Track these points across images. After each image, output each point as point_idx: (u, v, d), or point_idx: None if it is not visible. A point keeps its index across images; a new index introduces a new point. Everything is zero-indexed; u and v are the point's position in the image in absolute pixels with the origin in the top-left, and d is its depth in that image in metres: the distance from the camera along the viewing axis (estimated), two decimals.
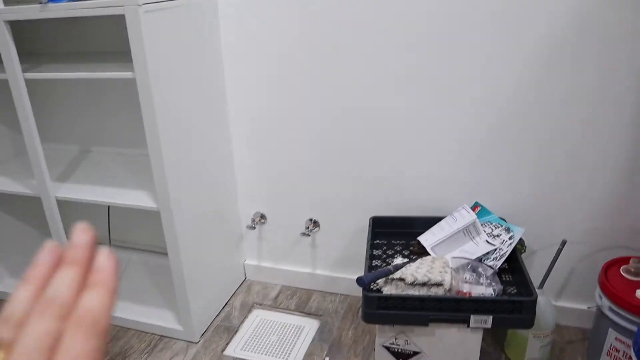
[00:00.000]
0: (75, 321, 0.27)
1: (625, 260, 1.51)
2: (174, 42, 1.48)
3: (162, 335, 1.81)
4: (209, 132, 1.72)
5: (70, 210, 2.20)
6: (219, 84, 1.74)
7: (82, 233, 0.30)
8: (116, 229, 2.14)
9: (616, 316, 1.41)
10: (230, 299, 1.99)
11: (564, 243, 1.46)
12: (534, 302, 1.27)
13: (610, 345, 1.45)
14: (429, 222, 1.59)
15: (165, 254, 1.66)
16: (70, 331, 0.27)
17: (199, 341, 1.78)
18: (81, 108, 2.03)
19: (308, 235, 1.87)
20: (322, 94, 1.67)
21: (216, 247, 1.86)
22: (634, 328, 1.30)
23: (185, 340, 1.79)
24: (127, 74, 1.43)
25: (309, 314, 1.87)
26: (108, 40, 1.87)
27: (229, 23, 1.68)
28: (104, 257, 0.30)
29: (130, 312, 1.87)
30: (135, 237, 2.24)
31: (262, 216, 1.94)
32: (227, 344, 1.76)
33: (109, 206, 2.02)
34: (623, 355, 1.43)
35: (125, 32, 1.35)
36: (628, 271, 1.47)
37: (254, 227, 1.92)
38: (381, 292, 1.35)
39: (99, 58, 1.75)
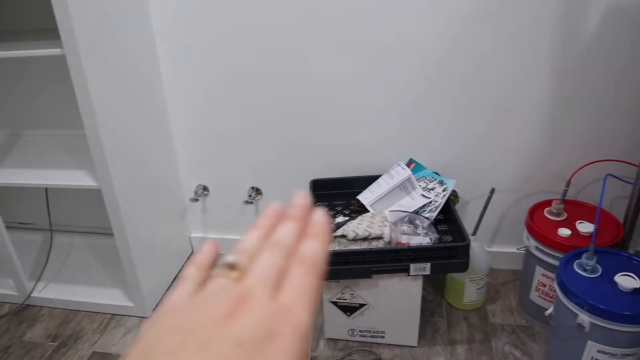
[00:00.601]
0: (299, 261, 0.31)
1: (548, 203, 1.63)
2: (101, 14, 1.45)
3: (113, 314, 1.82)
4: (145, 106, 1.70)
5: (5, 198, 2.14)
6: (151, 56, 1.72)
7: (299, 197, 0.37)
8: (58, 213, 2.10)
9: (542, 254, 1.52)
10: (179, 272, 2.00)
11: (492, 191, 1.56)
12: (467, 246, 1.37)
13: (538, 281, 1.58)
14: (367, 180, 1.66)
15: (110, 234, 1.65)
16: (294, 268, 0.31)
17: (150, 316, 1.79)
18: (7, 90, 1.96)
19: (251, 203, 1.90)
20: (258, 61, 1.68)
21: (161, 222, 1.87)
22: (557, 263, 1.41)
23: (137, 317, 1.80)
24: (55, 51, 1.39)
25: None
26: (32, 17, 1.80)
27: None
28: (319, 215, 0.36)
29: (79, 295, 1.85)
30: (78, 220, 2.20)
31: (205, 188, 1.95)
32: None
33: (46, 189, 1.97)
34: (549, 289, 1.55)
35: (50, 7, 1.30)
36: (551, 212, 1.59)
37: (197, 200, 1.93)
38: None
39: (23, 37, 1.69)
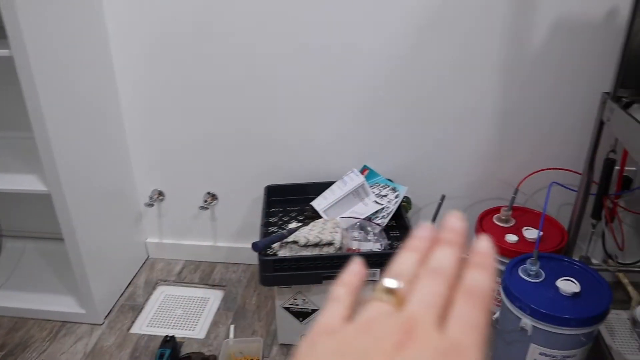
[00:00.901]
0: (466, 292, 0.28)
1: (497, 209, 1.67)
2: (51, 14, 1.42)
3: (64, 321, 1.78)
4: (97, 109, 1.68)
5: None
6: (104, 57, 1.69)
7: (455, 219, 0.33)
8: (8, 217, 2.05)
9: None
10: (133, 278, 1.97)
11: (443, 198, 1.59)
12: None
13: None
14: (322, 187, 1.67)
15: (62, 239, 1.62)
16: (461, 300, 0.28)
17: (103, 322, 1.76)
18: None
19: (207, 208, 1.89)
20: (213, 65, 1.67)
21: (115, 227, 1.84)
22: None
23: (89, 324, 1.77)
24: (3, 52, 1.36)
25: (213, 286, 1.91)
26: None
27: None
28: (485, 242, 0.32)
29: (28, 302, 1.81)
30: (29, 225, 2.15)
31: (160, 193, 1.94)
32: (133, 322, 1.76)
33: None
34: (497, 294, 1.59)
35: None
36: (500, 219, 1.64)
37: (152, 205, 1.91)
38: (277, 255, 1.41)
39: None
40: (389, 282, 0.30)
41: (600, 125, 1.40)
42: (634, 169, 1.62)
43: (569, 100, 1.59)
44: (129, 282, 1.95)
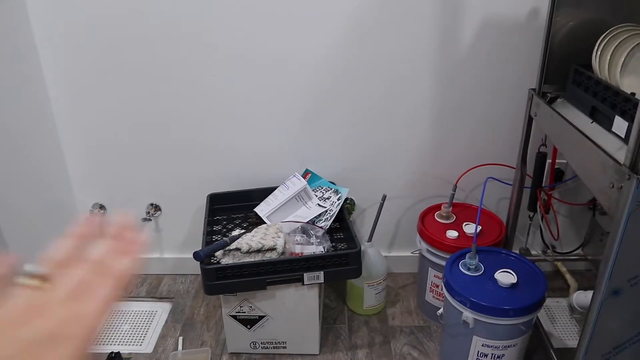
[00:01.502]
0: (104, 273, 0.35)
1: (438, 207, 1.71)
2: None
3: None
4: (28, 119, 1.62)
5: None
6: (33, 63, 1.64)
7: (121, 216, 0.39)
8: None
9: (433, 256, 1.59)
10: None
11: (384, 198, 1.61)
12: (358, 253, 1.40)
13: (431, 282, 1.65)
14: (265, 192, 1.67)
15: None
16: (98, 280, 0.34)
17: None
18: None
19: (150, 220, 1.85)
20: (153, 71, 1.64)
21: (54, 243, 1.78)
22: None
23: None
24: None
25: (161, 298, 1.87)
26: None
27: None
28: (134, 233, 0.39)
29: None
30: None
31: (101, 207, 1.88)
32: None
33: None
34: (441, 289, 1.62)
35: None
36: (441, 216, 1.67)
37: None
38: (220, 264, 1.39)
39: None
40: (30, 268, 0.35)
41: (530, 120, 1.46)
42: (564, 161, 1.68)
43: (500, 97, 1.64)
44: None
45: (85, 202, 1.88)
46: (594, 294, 1.07)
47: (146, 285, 1.94)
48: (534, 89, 1.41)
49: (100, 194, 1.87)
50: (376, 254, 1.65)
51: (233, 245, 1.40)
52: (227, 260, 1.39)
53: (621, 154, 0.99)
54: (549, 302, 1.75)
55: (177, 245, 1.94)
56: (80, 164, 1.81)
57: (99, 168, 1.81)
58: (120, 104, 1.70)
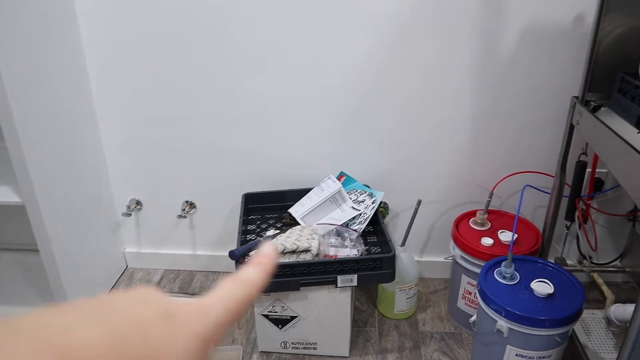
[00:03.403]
0: (236, 279, 0.34)
1: (473, 213, 1.69)
2: (23, 17, 1.41)
3: None
4: (72, 117, 1.66)
5: None
6: (78, 63, 1.67)
7: (267, 249, 0.38)
8: None
9: (467, 263, 1.58)
10: (112, 288, 1.96)
11: (419, 203, 1.60)
12: (393, 258, 1.40)
13: (464, 289, 1.63)
14: (299, 194, 1.68)
15: (38, 250, 1.60)
16: (229, 283, 0.34)
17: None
18: None
19: (185, 217, 1.88)
20: (192, 73, 1.67)
21: (92, 238, 1.82)
22: None
23: None
24: None
25: (193, 294, 1.90)
26: None
27: None
28: (268, 248, 0.38)
29: (3, 315, 1.78)
30: (4, 237, 2.12)
31: (138, 202, 1.92)
32: None
33: None
34: (474, 297, 1.61)
35: None
36: (475, 222, 1.65)
37: (130, 214, 1.90)
38: None
39: None
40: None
41: (571, 128, 1.43)
42: (605, 170, 1.65)
43: (541, 104, 1.61)
44: (107, 292, 1.92)
45: (123, 198, 1.92)
46: (635, 308, 1.05)
47: (179, 282, 1.97)
48: (576, 97, 1.38)
49: (137, 190, 1.91)
50: (409, 259, 1.65)
51: None
52: None
53: None
54: (584, 313, 1.72)
55: (210, 243, 1.97)
56: (119, 160, 1.85)
57: (136, 165, 1.85)
58: (160, 103, 1.73)
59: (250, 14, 1.56)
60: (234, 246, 1.83)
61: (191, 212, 1.90)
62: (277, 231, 1.52)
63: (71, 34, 1.64)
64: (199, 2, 1.56)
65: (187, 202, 1.89)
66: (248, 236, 1.60)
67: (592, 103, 1.34)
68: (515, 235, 1.51)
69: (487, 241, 1.55)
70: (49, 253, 1.58)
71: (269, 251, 0.39)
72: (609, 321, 1.59)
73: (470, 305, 1.63)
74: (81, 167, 1.73)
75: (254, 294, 0.35)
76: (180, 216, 1.87)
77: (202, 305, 0.31)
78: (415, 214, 1.60)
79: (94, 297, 0.29)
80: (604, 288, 1.75)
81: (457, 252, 1.60)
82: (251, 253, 1.43)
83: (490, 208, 1.65)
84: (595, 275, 1.80)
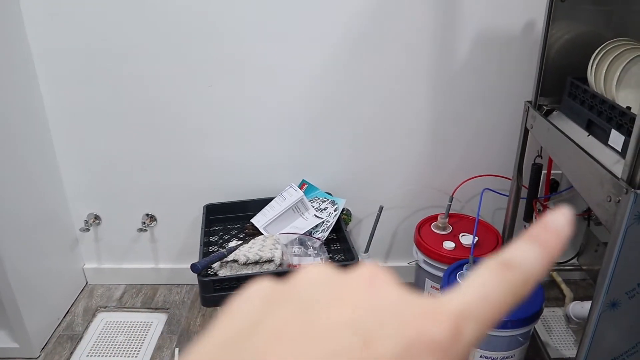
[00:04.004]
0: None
1: (435, 217, 1.71)
2: None
3: None
4: (23, 131, 1.61)
5: None
6: (29, 76, 1.63)
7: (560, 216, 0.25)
8: None
9: (430, 267, 1.59)
10: (71, 306, 1.90)
11: (381, 209, 1.61)
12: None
13: (429, 293, 1.65)
14: (261, 203, 1.67)
15: None
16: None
17: (39, 356, 1.68)
18: None
19: (145, 230, 1.84)
20: (147, 82, 1.64)
21: (48, 254, 1.77)
22: None
23: (23, 358, 1.68)
24: None
25: (156, 309, 1.86)
26: None
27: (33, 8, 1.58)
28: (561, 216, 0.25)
29: None
30: None
31: (97, 217, 1.88)
32: (72, 352, 1.69)
33: None
34: None
35: None
36: (437, 226, 1.67)
37: (89, 229, 1.85)
38: (217, 275, 1.39)
39: None
40: None
41: (525, 132, 1.46)
42: (560, 172, 1.70)
43: (495, 109, 1.65)
44: (66, 311, 1.87)
45: (80, 213, 1.87)
46: (592, 306, 1.07)
47: (141, 296, 1.93)
48: (530, 102, 1.42)
49: (95, 204, 1.86)
50: None
51: (230, 257, 1.40)
52: (224, 272, 1.39)
53: (618, 167, 1.00)
54: (545, 312, 1.76)
55: (172, 256, 1.94)
56: (75, 174, 1.80)
57: (94, 178, 1.81)
58: (116, 115, 1.69)
59: (208, 26, 1.55)
60: (196, 258, 1.80)
61: (152, 225, 1.87)
62: (240, 242, 1.50)
63: (19, 42, 1.59)
64: (156, 13, 1.54)
65: (147, 215, 1.86)
66: (210, 248, 1.58)
67: (544, 107, 1.38)
68: (476, 238, 1.54)
69: (449, 245, 1.56)
70: (2, 272, 1.53)
71: (559, 221, 0.25)
72: (568, 318, 1.63)
73: None
74: (33, 184, 1.68)
75: (527, 286, 0.23)
76: (140, 229, 1.83)
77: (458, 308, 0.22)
78: (378, 220, 1.61)
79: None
80: (563, 286, 1.79)
81: (420, 257, 1.62)
82: (214, 265, 1.41)
83: (451, 212, 1.68)
84: (554, 274, 1.85)
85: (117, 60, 1.61)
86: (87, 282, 2.02)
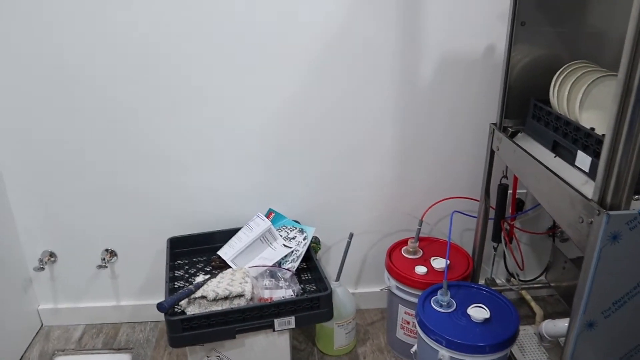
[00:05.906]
0: None
1: (404, 242, 1.70)
2: None
3: None
4: None
5: None
6: None
7: None
8: None
9: (402, 293, 1.57)
10: (25, 351, 1.78)
11: (351, 236, 1.59)
12: (330, 296, 1.37)
13: (402, 319, 1.62)
14: (228, 234, 1.62)
15: None
16: None
17: None
18: None
19: (105, 267, 1.76)
20: (104, 115, 1.58)
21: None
22: (417, 301, 1.46)
23: None
24: None
25: (119, 350, 1.77)
26: None
27: None
28: None
29: None
30: None
31: (52, 254, 1.78)
32: None
33: None
34: (413, 326, 1.60)
35: None
36: (408, 251, 1.66)
37: (43, 268, 1.75)
38: (185, 313, 1.33)
39: None
40: None
41: (492, 154, 1.47)
42: (524, 191, 1.72)
43: (462, 132, 1.66)
44: (20, 356, 1.75)
45: (34, 251, 1.77)
46: (569, 327, 1.07)
47: (102, 336, 1.83)
48: (495, 124, 1.43)
49: (50, 241, 1.76)
50: (345, 293, 1.62)
51: (198, 293, 1.34)
52: (192, 310, 1.33)
53: (587, 188, 1.01)
54: None
55: (135, 292, 1.85)
56: (27, 210, 1.71)
57: (47, 214, 1.71)
58: (69, 147, 1.61)
59: (174, 56, 1.50)
60: (161, 293, 1.73)
61: (112, 260, 1.78)
62: (208, 276, 1.45)
63: None
64: (118, 41, 1.49)
65: (107, 250, 1.77)
66: (176, 283, 1.51)
67: (509, 129, 1.39)
68: (448, 262, 1.53)
69: (420, 270, 1.55)
70: None
71: None
72: (541, 337, 1.63)
73: (409, 335, 1.62)
74: None
75: None
76: (100, 266, 1.75)
77: None
78: (348, 247, 1.59)
79: None
80: (533, 304, 1.80)
81: (392, 283, 1.59)
82: (181, 302, 1.35)
83: (420, 235, 1.67)
84: (523, 292, 1.86)
85: (68, 91, 1.54)
86: (42, 324, 1.91)
